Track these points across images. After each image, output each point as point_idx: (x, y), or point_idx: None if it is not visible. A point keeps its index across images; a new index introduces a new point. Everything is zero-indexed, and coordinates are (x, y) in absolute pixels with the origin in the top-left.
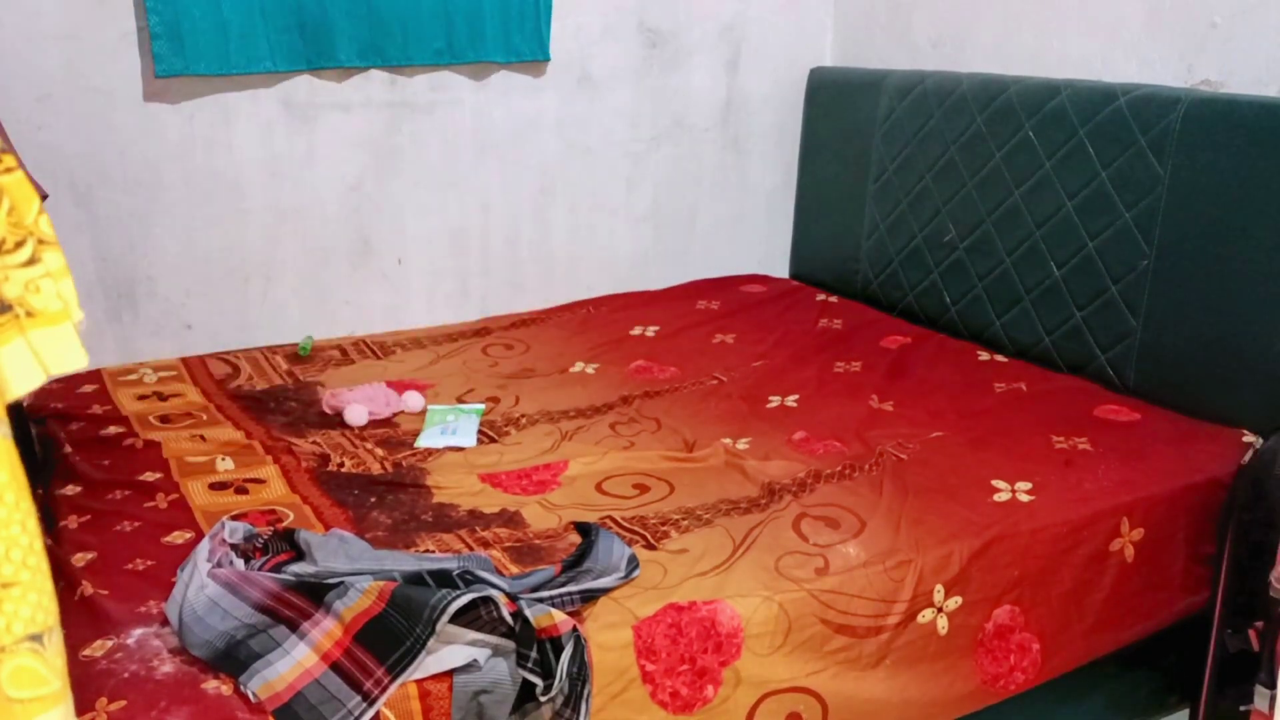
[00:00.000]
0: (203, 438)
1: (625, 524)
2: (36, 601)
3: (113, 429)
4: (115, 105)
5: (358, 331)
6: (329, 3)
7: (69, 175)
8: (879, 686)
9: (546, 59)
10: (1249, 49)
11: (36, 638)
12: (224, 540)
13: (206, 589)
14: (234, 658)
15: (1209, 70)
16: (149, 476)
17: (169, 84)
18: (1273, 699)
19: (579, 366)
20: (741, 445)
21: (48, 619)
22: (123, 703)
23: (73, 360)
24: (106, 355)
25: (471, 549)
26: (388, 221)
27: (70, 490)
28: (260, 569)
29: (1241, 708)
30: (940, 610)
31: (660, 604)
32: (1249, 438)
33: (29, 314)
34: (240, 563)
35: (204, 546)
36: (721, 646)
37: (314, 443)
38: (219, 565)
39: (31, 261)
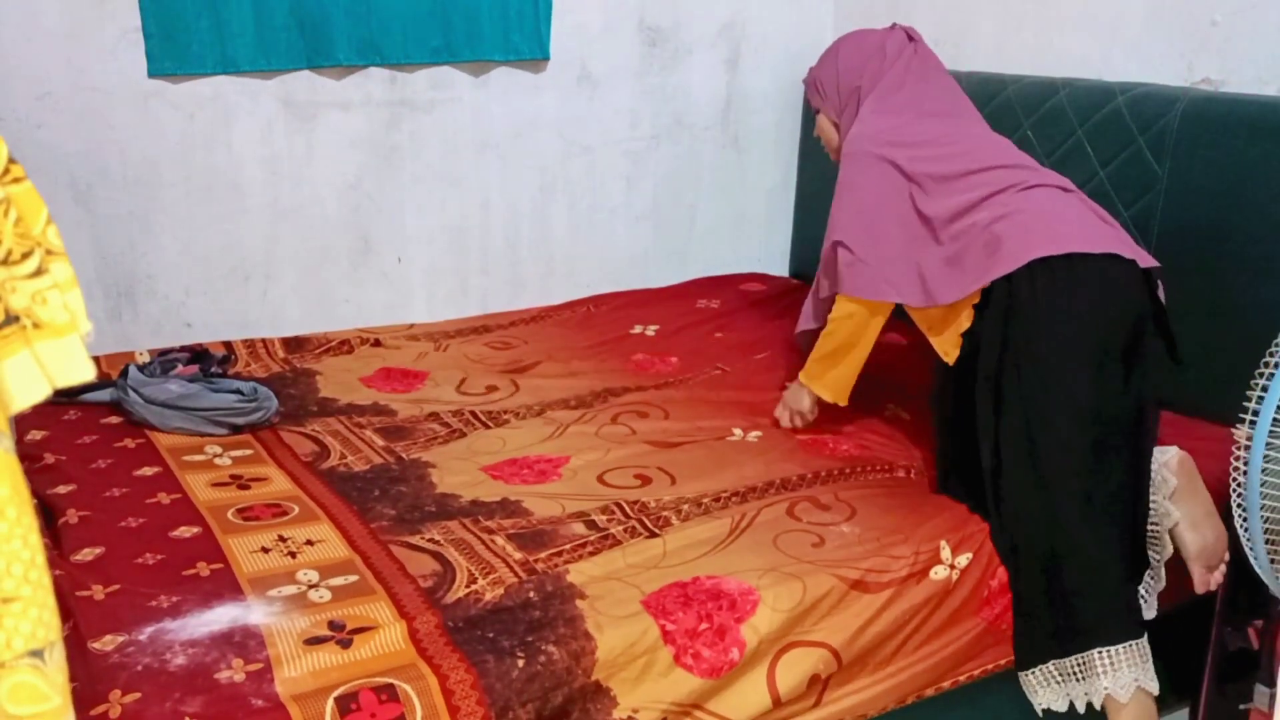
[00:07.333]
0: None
1: (629, 512)
2: (38, 617)
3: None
4: (115, 104)
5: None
6: (327, 1)
7: (69, 174)
8: (889, 640)
9: (546, 57)
10: (1249, 47)
11: (37, 653)
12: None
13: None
14: None
15: (1209, 69)
16: (146, 471)
17: (169, 82)
18: (1272, 697)
19: (577, 364)
20: (752, 438)
21: (49, 634)
22: (137, 695)
23: (79, 372)
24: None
25: (477, 537)
26: (387, 220)
27: (64, 490)
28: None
29: (1241, 706)
30: (953, 566)
31: (664, 582)
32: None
33: (35, 325)
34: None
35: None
36: (736, 604)
37: (315, 430)
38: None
39: (39, 273)
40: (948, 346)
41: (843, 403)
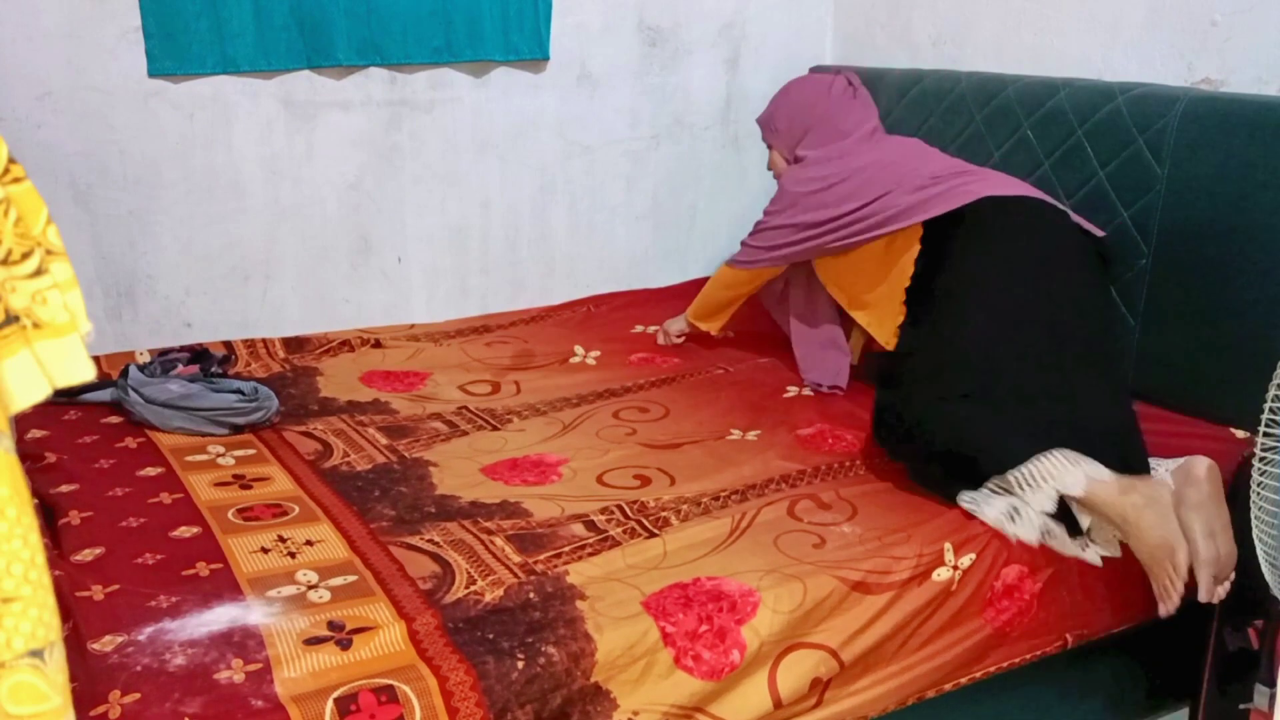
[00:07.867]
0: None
1: (628, 512)
2: (38, 617)
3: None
4: (115, 104)
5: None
6: (327, 1)
7: (69, 174)
8: (890, 641)
9: (546, 57)
10: (1249, 47)
11: (37, 653)
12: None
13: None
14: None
15: (1209, 69)
16: (149, 471)
17: (169, 82)
18: (1272, 697)
19: (577, 364)
20: (751, 436)
21: (49, 634)
22: (136, 695)
23: (79, 372)
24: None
25: (476, 538)
26: (387, 220)
27: (65, 489)
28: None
29: (1241, 706)
30: (955, 568)
31: (664, 583)
32: (1242, 434)
33: (35, 325)
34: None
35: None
36: (736, 606)
37: (317, 429)
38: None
39: (39, 272)
40: (889, 315)
41: (714, 331)
